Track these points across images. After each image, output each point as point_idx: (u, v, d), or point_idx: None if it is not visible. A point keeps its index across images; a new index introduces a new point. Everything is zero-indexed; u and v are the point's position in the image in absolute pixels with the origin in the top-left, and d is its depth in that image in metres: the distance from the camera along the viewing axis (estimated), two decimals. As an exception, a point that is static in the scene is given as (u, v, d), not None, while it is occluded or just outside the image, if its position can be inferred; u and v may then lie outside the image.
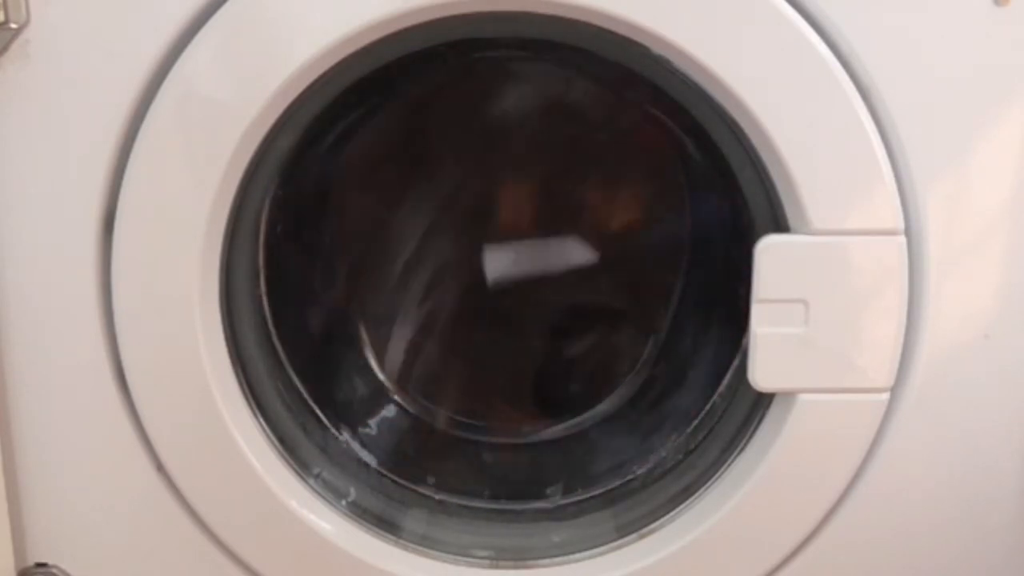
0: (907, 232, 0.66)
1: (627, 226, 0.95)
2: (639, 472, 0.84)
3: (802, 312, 0.66)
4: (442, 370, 0.97)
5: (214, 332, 0.69)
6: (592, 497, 0.83)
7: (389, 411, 0.94)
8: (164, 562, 0.75)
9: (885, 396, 0.69)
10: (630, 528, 0.76)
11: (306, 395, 0.84)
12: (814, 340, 0.67)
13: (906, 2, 0.63)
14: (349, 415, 0.88)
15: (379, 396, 0.94)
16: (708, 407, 0.82)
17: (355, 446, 0.85)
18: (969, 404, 0.71)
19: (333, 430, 0.84)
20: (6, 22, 0.62)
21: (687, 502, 0.74)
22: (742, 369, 0.70)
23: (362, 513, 0.76)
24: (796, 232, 0.66)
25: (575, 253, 0.94)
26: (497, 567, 0.76)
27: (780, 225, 0.67)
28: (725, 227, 0.87)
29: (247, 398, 0.73)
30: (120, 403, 0.70)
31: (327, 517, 0.74)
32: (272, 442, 0.74)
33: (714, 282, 0.90)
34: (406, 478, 0.84)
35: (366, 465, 0.84)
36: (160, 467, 0.71)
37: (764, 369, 0.68)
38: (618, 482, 0.84)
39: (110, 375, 0.69)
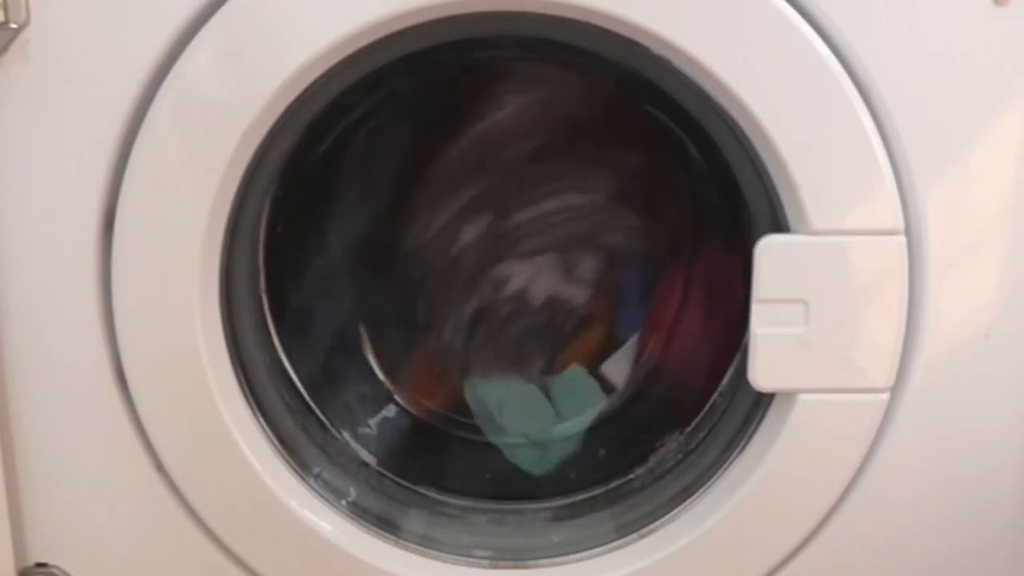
0: (907, 232, 0.66)
1: (626, 226, 0.95)
2: (639, 472, 0.84)
3: (802, 312, 0.66)
4: (442, 370, 0.97)
5: (214, 332, 0.69)
6: (592, 497, 0.83)
7: (389, 411, 0.94)
8: (164, 562, 0.75)
9: (885, 396, 0.69)
10: (630, 528, 0.76)
11: (306, 395, 0.84)
12: (814, 340, 0.67)
13: (906, 2, 0.63)
14: (349, 415, 0.88)
15: (379, 396, 0.94)
16: (708, 407, 0.82)
17: (355, 446, 0.85)
18: (969, 404, 0.70)
19: (333, 430, 0.84)
20: (6, 22, 0.62)
21: (687, 502, 0.74)
22: (742, 369, 0.70)
23: (362, 513, 0.76)
24: (796, 232, 0.66)
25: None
26: (497, 567, 0.76)
27: (780, 225, 0.67)
28: (725, 227, 0.87)
29: (247, 398, 0.73)
30: (120, 403, 0.70)
31: (327, 517, 0.74)
32: (272, 442, 0.74)
33: (714, 282, 0.90)
34: (406, 478, 0.84)
35: (366, 465, 0.84)
36: (160, 467, 0.71)
37: (764, 369, 0.68)
38: (618, 482, 0.84)
39: (110, 375, 0.69)
